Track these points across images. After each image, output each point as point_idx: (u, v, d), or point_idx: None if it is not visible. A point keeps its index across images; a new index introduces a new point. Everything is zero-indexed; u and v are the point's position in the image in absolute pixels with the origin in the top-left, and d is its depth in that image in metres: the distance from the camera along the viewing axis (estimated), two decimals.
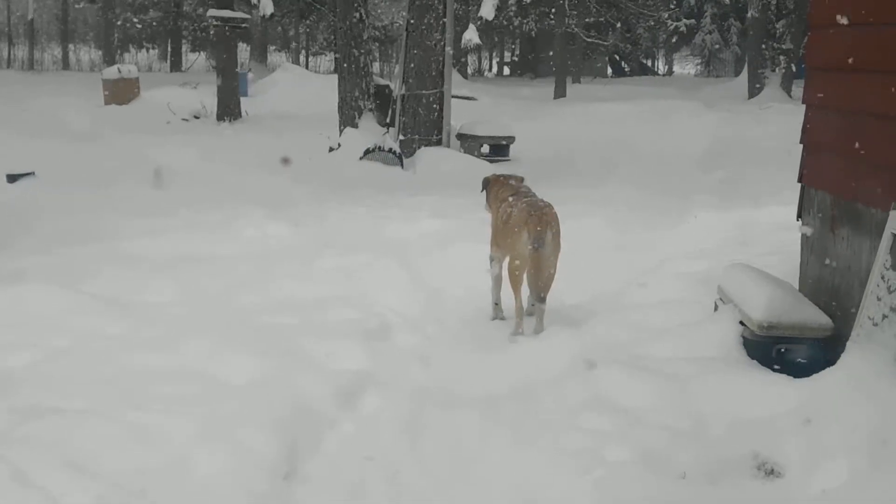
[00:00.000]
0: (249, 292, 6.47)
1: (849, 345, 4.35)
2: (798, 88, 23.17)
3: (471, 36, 22.03)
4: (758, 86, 26.90)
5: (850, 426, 3.81)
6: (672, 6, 36.37)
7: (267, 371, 4.79)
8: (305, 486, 3.95)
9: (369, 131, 13.36)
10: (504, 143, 14.79)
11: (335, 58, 28.32)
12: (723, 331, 4.95)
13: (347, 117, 13.68)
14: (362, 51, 13.69)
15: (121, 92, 19.64)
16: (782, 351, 4.70)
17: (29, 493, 3.42)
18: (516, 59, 47.29)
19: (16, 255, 7.32)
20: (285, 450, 4.05)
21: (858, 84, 4.81)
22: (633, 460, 3.92)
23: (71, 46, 39.39)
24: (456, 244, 7.78)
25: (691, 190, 11.09)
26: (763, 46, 27.66)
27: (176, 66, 38.01)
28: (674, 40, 41.96)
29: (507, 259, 6.06)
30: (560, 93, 27.73)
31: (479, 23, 27.00)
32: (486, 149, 14.75)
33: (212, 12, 19.21)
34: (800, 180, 5.57)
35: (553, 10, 30.62)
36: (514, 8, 35.22)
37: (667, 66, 49.78)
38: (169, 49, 40.45)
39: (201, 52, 39.60)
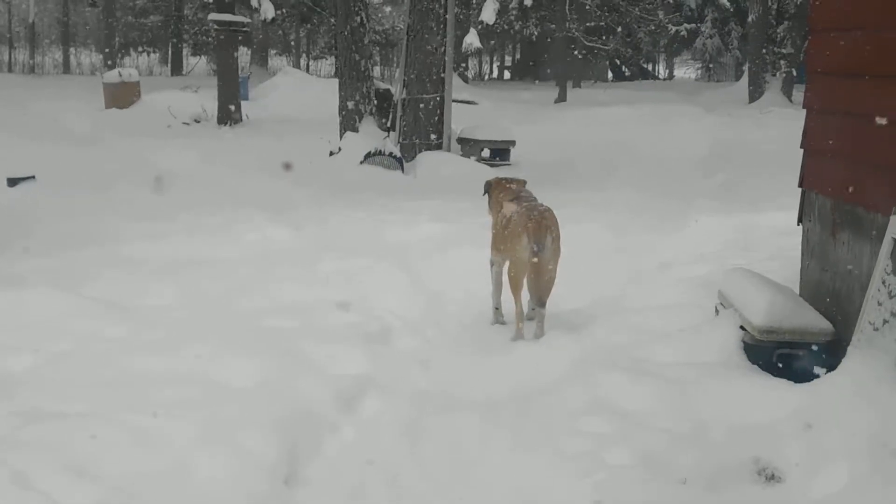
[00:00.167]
0: (250, 295, 6.46)
1: (849, 350, 4.35)
2: (799, 93, 23.17)
3: (472, 40, 22.04)
4: (758, 90, 26.91)
5: (851, 431, 3.81)
6: (673, 10, 36.42)
7: (267, 374, 4.79)
8: (306, 490, 3.95)
9: (370, 135, 13.37)
10: (505, 147, 14.79)
11: (336, 62, 28.35)
12: (723, 335, 4.95)
13: (348, 121, 13.69)
14: (363, 55, 13.71)
15: (121, 95, 19.65)
16: (783, 356, 4.70)
17: (29, 496, 3.41)
18: (518, 63, 47.35)
19: (16, 258, 7.31)
20: (286, 453, 4.05)
21: (859, 88, 4.81)
22: (633, 464, 3.91)
23: (72, 50, 39.44)
24: (456, 248, 7.77)
25: (692, 194, 11.08)
26: (764, 51, 27.67)
27: (177, 69, 38.05)
28: (674, 45, 42.03)
29: (507, 263, 6.06)
30: (561, 97, 27.78)
31: (479, 27, 27.10)
32: (486, 153, 14.75)
33: (213, 16, 19.23)
34: (800, 185, 5.58)
35: (554, 10, 30.63)
36: (514, 12, 35.27)
37: (667, 71, 49.83)
38: (170, 53, 40.49)
39: (202, 56, 39.64)
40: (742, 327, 4.91)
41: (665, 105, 22.45)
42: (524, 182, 6.58)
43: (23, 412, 4.14)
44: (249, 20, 21.53)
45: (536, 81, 38.00)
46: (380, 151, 12.81)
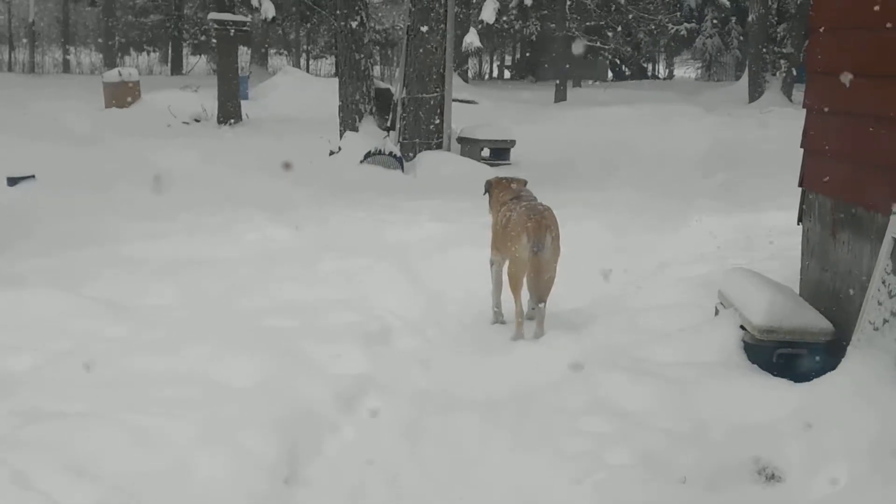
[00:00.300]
0: (250, 295, 6.46)
1: (849, 349, 4.35)
2: (799, 92, 23.17)
3: (472, 39, 22.04)
4: (758, 90, 26.92)
5: (851, 431, 3.81)
6: (672, 10, 36.43)
7: (267, 374, 4.79)
8: (306, 490, 3.95)
9: (370, 135, 13.36)
10: (505, 146, 14.79)
11: (336, 61, 28.36)
12: (723, 335, 4.95)
13: (348, 121, 13.68)
14: (363, 54, 13.70)
15: (121, 95, 19.65)
16: (783, 355, 4.70)
17: (29, 496, 3.41)
18: (518, 62, 47.36)
19: (16, 258, 7.31)
20: (286, 453, 4.05)
21: (859, 88, 4.81)
22: (633, 464, 3.92)
23: (72, 49, 39.45)
24: (456, 248, 7.77)
25: (692, 193, 11.08)
26: (764, 50, 27.68)
27: (177, 69, 38.06)
28: (674, 44, 42.03)
29: (507, 263, 6.06)
30: (560, 96, 27.77)
31: (479, 26, 27.11)
32: (486, 152, 14.75)
33: (213, 15, 19.26)
34: (800, 184, 5.58)
35: (554, 10, 30.63)
36: (514, 11, 35.29)
37: (667, 70, 49.83)
38: (170, 52, 40.52)
39: (202, 56, 39.66)
40: (742, 327, 4.91)
41: (665, 105, 22.45)
42: (525, 182, 6.58)
43: (23, 412, 4.15)
44: (249, 19, 21.52)
45: (536, 81, 38.01)
46: (380, 151, 12.81)
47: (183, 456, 3.82)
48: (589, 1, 32.29)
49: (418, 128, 13.58)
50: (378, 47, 36.95)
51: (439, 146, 13.63)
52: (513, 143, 14.81)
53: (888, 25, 4.50)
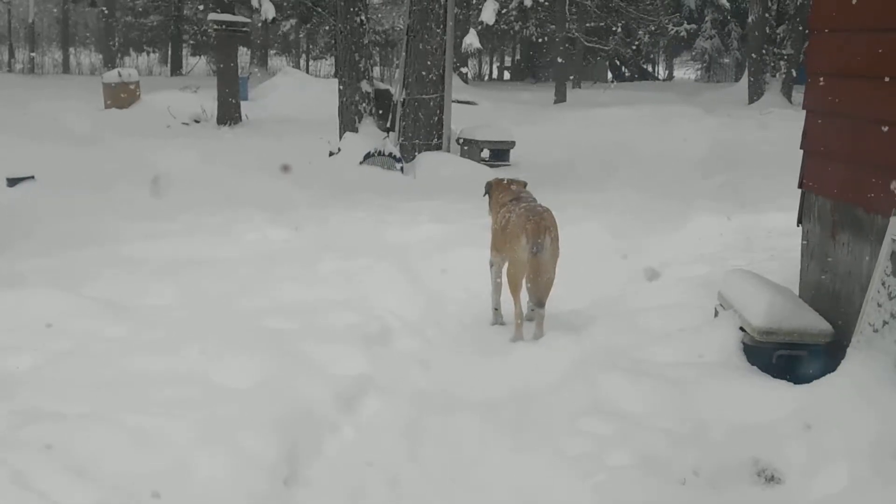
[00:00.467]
0: (250, 296, 6.46)
1: (849, 351, 4.35)
2: (798, 94, 23.18)
3: (471, 40, 22.05)
4: (758, 91, 26.93)
5: (851, 432, 3.82)
6: (672, 11, 36.44)
7: (267, 374, 4.79)
8: (306, 490, 3.95)
9: (369, 136, 13.37)
10: (504, 147, 14.79)
11: (336, 62, 28.35)
12: (723, 336, 4.96)
13: (348, 121, 13.69)
14: (363, 55, 13.71)
15: (121, 95, 19.66)
16: (782, 357, 4.71)
17: (29, 496, 3.41)
18: (517, 63, 47.37)
19: (16, 258, 7.31)
20: (286, 454, 4.04)
21: (859, 89, 4.81)
22: (633, 465, 3.92)
23: (71, 50, 39.47)
24: (456, 249, 7.77)
25: (691, 194, 11.08)
26: (763, 51, 27.69)
27: (176, 69, 38.08)
28: (674, 45, 42.04)
29: (507, 264, 6.06)
30: (560, 97, 27.78)
31: (479, 27, 27.14)
32: (486, 153, 14.75)
33: (213, 16, 19.24)
34: (800, 186, 5.58)
35: (554, 10, 30.64)
36: (514, 13, 35.29)
37: (667, 71, 49.85)
38: (169, 53, 40.53)
39: (202, 56, 39.69)
40: (742, 328, 4.91)
41: (665, 106, 22.44)
42: (524, 183, 6.58)
43: (22, 412, 4.14)
44: (249, 20, 21.52)
45: (536, 82, 38.02)
46: (379, 152, 12.82)
47: (182, 456, 3.82)
48: (589, 2, 32.28)
49: (418, 129, 13.58)
50: (378, 48, 36.97)
51: (439, 147, 13.64)
52: (512, 144, 14.82)
53: (888, 27, 4.50)
